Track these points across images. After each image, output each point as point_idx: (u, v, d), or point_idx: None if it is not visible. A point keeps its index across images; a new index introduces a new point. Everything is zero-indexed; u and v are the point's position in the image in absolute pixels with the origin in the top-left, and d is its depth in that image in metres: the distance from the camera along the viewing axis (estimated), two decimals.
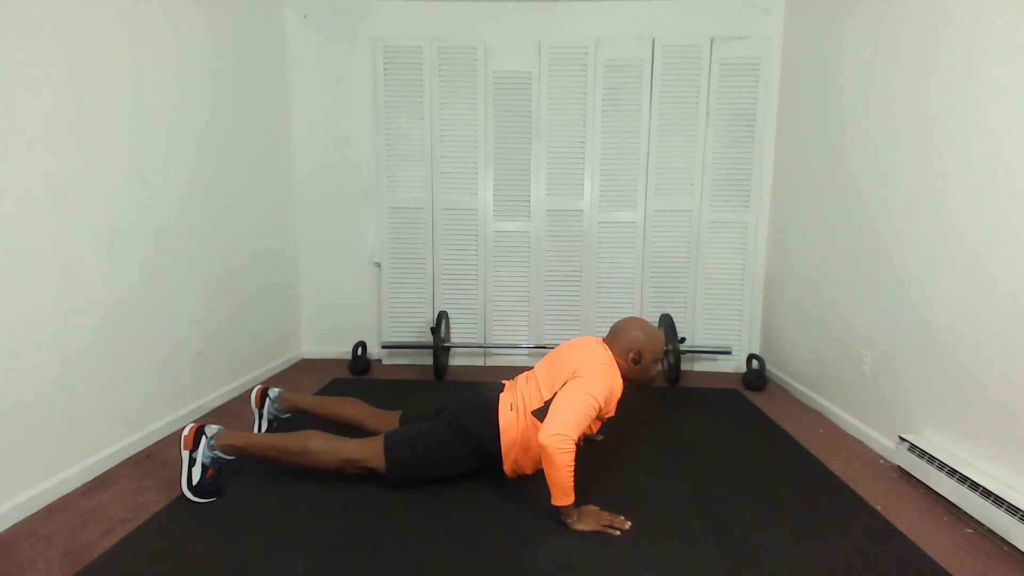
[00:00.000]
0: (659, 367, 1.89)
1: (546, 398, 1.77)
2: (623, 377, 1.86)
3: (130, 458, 2.05)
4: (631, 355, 1.85)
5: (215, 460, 1.75)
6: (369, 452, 1.79)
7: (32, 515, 1.67)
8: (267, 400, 2.10)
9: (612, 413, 1.82)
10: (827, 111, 2.63)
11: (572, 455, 1.57)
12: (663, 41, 3.09)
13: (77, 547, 1.51)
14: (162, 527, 1.60)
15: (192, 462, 1.71)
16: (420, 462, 1.81)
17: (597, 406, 1.68)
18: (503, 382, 1.97)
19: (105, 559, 1.46)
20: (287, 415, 2.17)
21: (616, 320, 1.98)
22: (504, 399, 1.86)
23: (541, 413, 1.76)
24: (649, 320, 3.30)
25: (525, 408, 1.81)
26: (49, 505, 1.73)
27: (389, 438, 1.82)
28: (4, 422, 1.61)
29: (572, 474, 1.57)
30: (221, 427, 1.77)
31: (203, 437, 1.72)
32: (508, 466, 1.85)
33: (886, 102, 2.20)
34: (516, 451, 1.82)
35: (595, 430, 1.90)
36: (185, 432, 1.71)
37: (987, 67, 1.74)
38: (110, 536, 1.56)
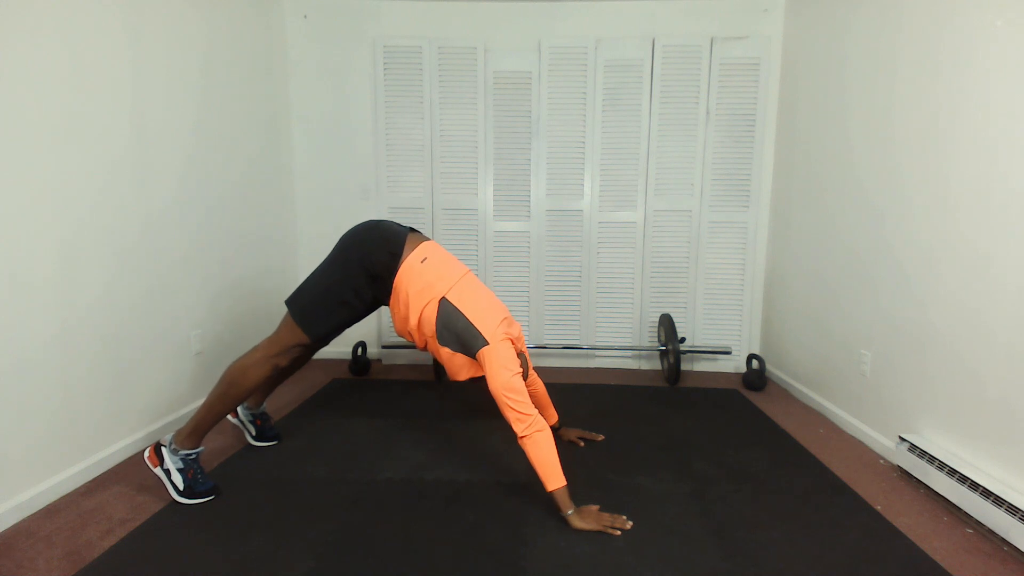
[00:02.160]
0: None
1: (466, 312, 1.75)
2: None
3: (130, 458, 2.05)
4: None
5: (185, 459, 1.75)
6: (284, 335, 1.83)
7: (32, 515, 1.67)
8: (237, 406, 2.09)
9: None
10: (827, 111, 2.63)
11: (545, 425, 1.63)
12: (663, 41, 3.09)
13: (77, 547, 1.51)
14: (162, 527, 1.60)
15: (167, 473, 1.73)
16: (331, 312, 1.83)
17: (517, 359, 1.73)
18: (413, 228, 1.94)
19: (105, 559, 1.46)
20: (263, 407, 2.18)
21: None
22: (420, 250, 1.84)
23: (447, 317, 1.76)
24: (649, 320, 3.31)
25: (440, 286, 1.79)
26: (49, 505, 1.73)
27: (292, 309, 1.83)
28: (4, 422, 1.61)
29: (555, 447, 1.62)
30: (172, 433, 1.79)
31: (163, 448, 1.74)
32: (396, 315, 1.87)
33: (887, 101, 2.20)
34: (404, 303, 1.82)
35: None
36: (146, 455, 1.75)
37: (987, 67, 1.74)
38: (110, 536, 1.56)
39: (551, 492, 1.62)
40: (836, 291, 2.54)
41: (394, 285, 1.83)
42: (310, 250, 3.43)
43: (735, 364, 3.33)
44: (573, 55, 3.14)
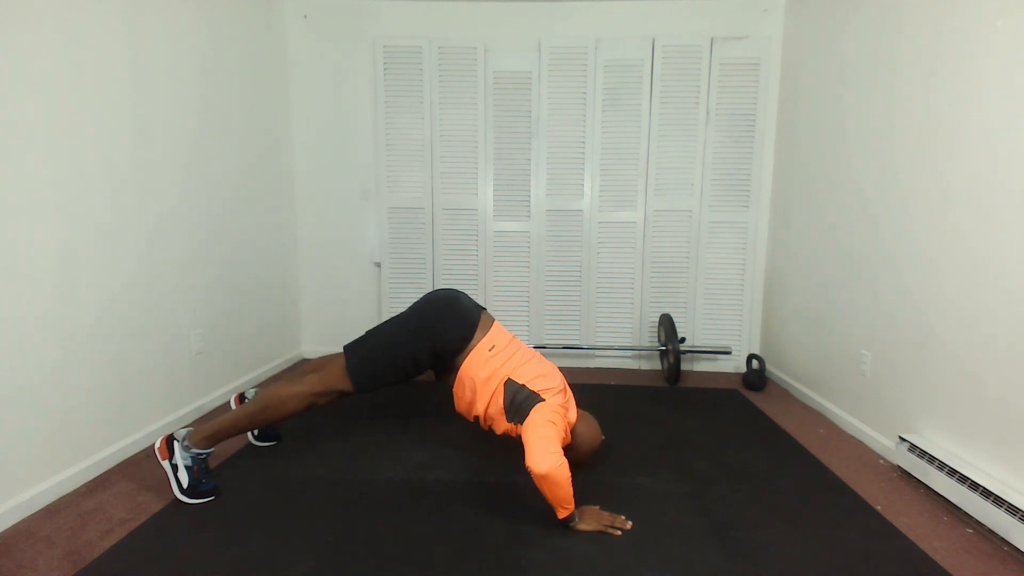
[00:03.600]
0: (580, 460, 1.93)
1: (529, 384, 1.76)
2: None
3: (130, 458, 2.05)
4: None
5: (195, 459, 1.75)
6: (333, 379, 1.85)
7: (32, 515, 1.67)
8: (245, 401, 2.10)
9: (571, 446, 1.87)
10: (827, 111, 2.63)
11: (567, 466, 1.56)
12: (663, 41, 3.09)
13: (77, 547, 1.51)
14: (162, 527, 1.60)
15: (175, 468, 1.73)
16: (384, 373, 1.86)
17: (564, 426, 1.70)
18: (484, 307, 1.95)
19: (105, 559, 1.46)
20: None
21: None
22: (489, 337, 1.85)
23: (514, 394, 1.75)
24: (649, 320, 3.31)
25: (504, 369, 1.79)
26: (49, 505, 1.73)
27: (349, 359, 1.85)
28: (4, 422, 1.61)
29: (571, 485, 1.57)
30: (188, 428, 1.79)
31: (175, 442, 1.74)
32: (460, 400, 1.87)
33: (886, 101, 2.20)
34: (471, 389, 1.82)
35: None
36: (157, 445, 1.73)
37: (987, 67, 1.74)
38: (110, 536, 1.56)
39: (562, 518, 1.60)
40: (836, 291, 2.54)
41: (459, 373, 1.84)
42: (309, 249, 3.43)
43: (735, 364, 3.33)
44: (573, 55, 3.14)
